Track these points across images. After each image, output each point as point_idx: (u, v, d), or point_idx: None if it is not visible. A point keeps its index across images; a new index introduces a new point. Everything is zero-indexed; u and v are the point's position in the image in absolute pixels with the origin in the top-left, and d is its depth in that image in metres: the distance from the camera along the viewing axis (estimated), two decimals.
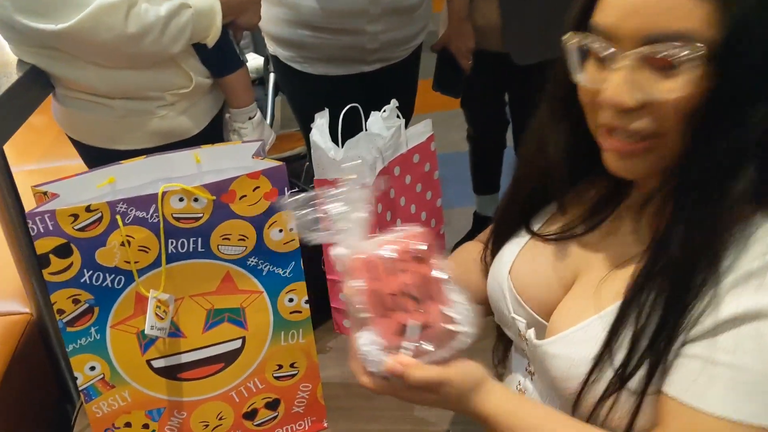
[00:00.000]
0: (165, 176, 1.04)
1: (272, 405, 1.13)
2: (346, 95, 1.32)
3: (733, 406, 0.66)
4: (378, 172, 1.27)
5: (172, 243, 0.98)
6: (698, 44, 0.64)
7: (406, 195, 1.40)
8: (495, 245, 0.95)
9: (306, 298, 1.09)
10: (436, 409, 1.17)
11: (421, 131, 1.40)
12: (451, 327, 0.71)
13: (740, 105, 0.65)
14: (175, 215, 0.97)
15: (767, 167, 0.66)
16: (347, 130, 1.27)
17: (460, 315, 0.72)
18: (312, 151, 1.25)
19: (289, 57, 1.83)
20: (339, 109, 1.26)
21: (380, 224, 1.28)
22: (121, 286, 0.98)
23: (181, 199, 0.96)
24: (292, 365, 1.12)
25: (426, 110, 2.07)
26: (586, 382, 0.75)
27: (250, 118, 1.54)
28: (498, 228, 0.96)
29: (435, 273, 0.73)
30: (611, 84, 0.69)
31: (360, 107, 1.31)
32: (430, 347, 0.71)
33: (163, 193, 0.94)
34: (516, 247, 0.91)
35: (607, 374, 0.73)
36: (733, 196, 0.66)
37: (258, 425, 1.14)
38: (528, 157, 0.89)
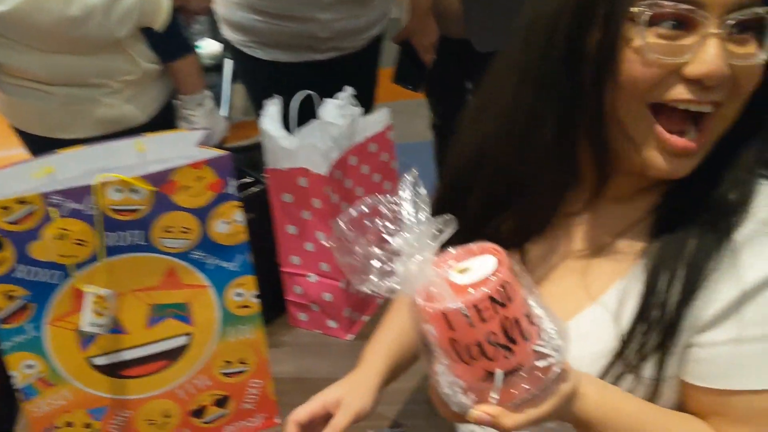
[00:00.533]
0: (106, 166, 0.99)
1: (221, 402, 1.10)
2: (300, 83, 1.29)
3: None
4: (333, 161, 1.23)
5: (110, 236, 0.94)
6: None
7: (364, 185, 1.37)
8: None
9: (255, 292, 1.05)
10: (392, 404, 1.15)
11: (378, 120, 1.37)
12: (541, 363, 0.61)
13: None
14: (113, 207, 0.92)
15: None
16: (303, 119, 1.24)
17: (549, 344, 0.61)
18: (263, 139, 1.21)
19: (241, 41, 1.78)
20: (292, 96, 1.22)
21: (335, 215, 1.25)
22: (57, 281, 0.94)
23: (119, 190, 0.92)
24: (241, 361, 1.08)
25: (390, 99, 2.04)
26: (607, 373, 0.72)
27: (200, 105, 1.50)
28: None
29: (522, 310, 0.60)
30: (708, 54, 0.62)
31: (315, 95, 1.27)
32: (518, 392, 0.62)
33: (100, 184, 0.90)
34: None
35: (625, 362, 0.70)
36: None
37: (207, 423, 1.10)
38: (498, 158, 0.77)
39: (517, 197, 0.77)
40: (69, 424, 1.02)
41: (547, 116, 0.70)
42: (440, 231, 0.61)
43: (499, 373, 0.60)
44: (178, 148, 1.03)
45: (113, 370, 1.02)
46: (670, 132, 0.66)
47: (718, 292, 0.66)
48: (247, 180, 1.36)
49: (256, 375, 1.10)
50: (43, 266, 0.92)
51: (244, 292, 1.04)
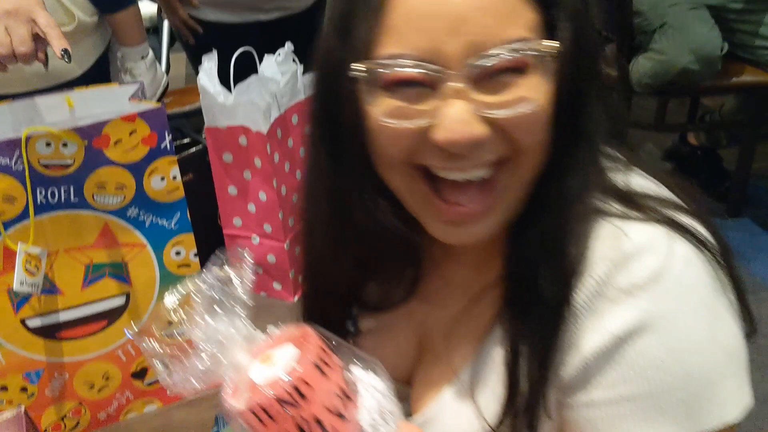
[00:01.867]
0: (33, 122, 0.96)
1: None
2: (242, 44, 1.25)
3: None
4: (274, 119, 1.21)
5: (40, 192, 0.91)
6: (544, 42, 0.55)
7: (306, 145, 1.35)
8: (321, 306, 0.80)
9: (195, 251, 1.03)
10: None
11: None
12: None
13: (583, 104, 0.59)
14: (42, 162, 0.89)
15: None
16: (242, 79, 1.21)
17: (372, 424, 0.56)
18: (201, 97, 1.18)
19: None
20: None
21: (277, 175, 1.23)
22: None
23: (48, 144, 0.89)
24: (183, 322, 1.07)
25: None
26: None
27: (143, 57, 1.46)
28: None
29: (325, 407, 0.54)
30: (447, 117, 0.54)
31: (255, 54, 1.25)
32: None
33: (27, 138, 0.87)
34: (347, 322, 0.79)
35: None
36: (587, 201, 0.60)
37: (149, 384, 1.08)
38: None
39: (371, 274, 0.74)
40: (4, 389, 0.99)
41: (352, 205, 0.65)
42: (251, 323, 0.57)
43: None
44: (110, 103, 1.00)
45: (49, 332, 0.99)
46: (448, 199, 0.59)
47: (569, 359, 0.61)
48: (186, 141, 1.33)
49: None
50: None
51: (183, 250, 1.02)
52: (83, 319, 1.00)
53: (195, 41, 1.82)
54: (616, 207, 0.61)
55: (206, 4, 1.73)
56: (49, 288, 0.96)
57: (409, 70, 0.54)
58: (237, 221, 1.31)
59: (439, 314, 0.72)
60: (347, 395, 0.54)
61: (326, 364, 0.54)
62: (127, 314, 1.02)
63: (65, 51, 0.95)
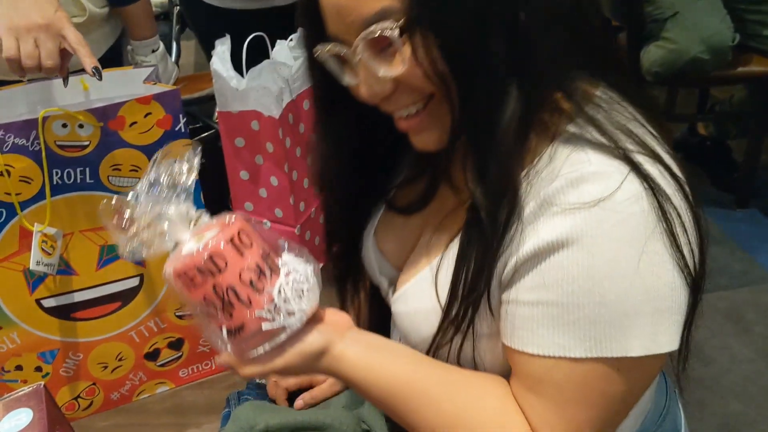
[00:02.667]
0: (49, 104, 0.97)
1: (175, 345, 1.09)
2: (256, 29, 1.26)
3: (550, 342, 0.65)
4: (285, 104, 1.22)
5: (57, 173, 0.92)
6: (394, 15, 0.63)
7: None
8: (349, 229, 0.91)
9: None
10: None
11: None
12: (267, 326, 0.66)
13: (469, 40, 0.63)
14: (58, 143, 0.90)
15: (525, 85, 0.65)
16: (255, 64, 1.21)
17: (281, 310, 0.66)
18: (214, 81, 1.19)
19: None
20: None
21: (289, 160, 1.24)
22: (2, 220, 0.92)
23: (64, 125, 0.89)
24: None
25: None
26: (433, 335, 0.74)
27: (153, 51, 1.46)
28: (349, 212, 0.91)
29: (237, 279, 0.65)
30: (361, 81, 0.69)
31: (267, 39, 1.25)
32: (248, 347, 0.68)
33: (44, 118, 0.88)
34: (376, 215, 0.90)
35: (440, 324, 0.72)
36: (505, 122, 0.65)
37: (161, 365, 1.10)
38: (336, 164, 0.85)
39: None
40: (19, 368, 1.01)
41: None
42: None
43: (223, 330, 0.66)
44: (124, 86, 1.01)
45: (64, 313, 1.00)
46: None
47: (505, 259, 0.67)
48: (198, 125, 1.34)
49: None
50: None
51: None
52: (98, 299, 1.01)
53: (208, 28, 1.81)
54: (592, 134, 0.66)
55: None
56: (65, 269, 0.97)
57: (323, 46, 0.70)
58: (248, 205, 1.31)
59: (437, 215, 0.80)
60: (263, 273, 0.66)
61: (243, 244, 0.65)
62: (141, 295, 1.03)
63: (96, 69, 0.98)
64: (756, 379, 1.95)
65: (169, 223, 0.67)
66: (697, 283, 0.66)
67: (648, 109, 0.71)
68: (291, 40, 1.25)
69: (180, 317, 1.07)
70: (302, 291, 0.67)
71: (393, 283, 0.85)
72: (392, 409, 0.72)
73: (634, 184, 0.63)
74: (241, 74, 1.21)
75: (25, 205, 0.92)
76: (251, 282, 0.65)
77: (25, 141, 0.88)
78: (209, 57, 1.88)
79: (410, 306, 0.78)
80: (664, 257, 0.63)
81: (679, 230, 0.64)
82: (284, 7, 1.79)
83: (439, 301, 0.73)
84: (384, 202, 0.88)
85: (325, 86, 0.76)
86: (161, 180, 0.68)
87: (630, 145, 0.65)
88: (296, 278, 0.68)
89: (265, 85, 1.16)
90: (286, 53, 1.23)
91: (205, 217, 0.68)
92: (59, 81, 0.99)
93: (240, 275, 0.65)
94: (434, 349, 0.74)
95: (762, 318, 2.16)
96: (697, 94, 2.95)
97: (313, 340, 0.69)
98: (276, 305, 0.66)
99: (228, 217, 0.67)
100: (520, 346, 0.67)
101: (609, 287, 0.62)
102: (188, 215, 0.68)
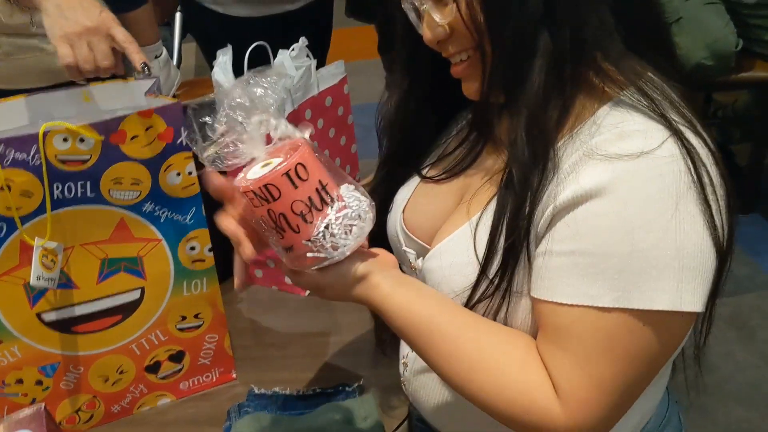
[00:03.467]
0: (49, 116, 0.96)
1: (176, 357, 1.09)
2: (263, 37, 1.25)
3: (578, 291, 0.66)
4: (287, 114, 1.21)
5: (57, 187, 0.91)
6: None
7: (319, 140, 1.35)
8: (385, 187, 0.95)
9: (209, 246, 1.04)
10: (349, 356, 1.16)
11: (333, 73, 1.35)
12: (311, 254, 0.72)
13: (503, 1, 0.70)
14: (59, 157, 0.89)
15: (560, 37, 0.69)
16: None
17: (326, 241, 0.72)
18: (215, 91, 1.18)
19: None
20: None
21: None
22: (3, 234, 0.91)
23: (65, 140, 0.89)
24: (196, 316, 1.07)
25: (348, 59, 2.01)
26: (466, 287, 0.76)
27: (156, 57, 1.46)
28: (387, 171, 0.96)
29: (289, 208, 0.71)
30: (424, 26, 0.77)
31: (269, 47, 1.24)
32: (300, 263, 0.75)
33: (45, 133, 0.87)
34: (408, 190, 0.92)
35: (475, 277, 0.75)
36: (536, 71, 0.70)
37: (162, 378, 1.09)
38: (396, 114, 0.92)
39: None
40: (19, 382, 1.00)
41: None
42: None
43: (278, 246, 0.75)
44: (125, 98, 1.01)
45: (64, 326, 1.00)
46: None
47: (541, 211, 0.70)
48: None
49: (211, 329, 1.09)
50: None
51: (198, 245, 1.03)
52: (98, 313, 1.01)
53: (210, 35, 1.81)
54: (640, 102, 0.69)
55: (232, 1, 1.72)
56: (65, 282, 0.97)
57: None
58: None
59: (476, 181, 0.83)
60: (314, 205, 0.71)
61: (299, 177, 0.70)
62: (142, 308, 1.03)
63: (144, 64, 1.01)
64: (760, 386, 1.94)
65: (247, 137, 0.72)
66: (724, 253, 0.68)
67: (690, 99, 0.74)
68: (293, 50, 1.24)
69: (181, 330, 1.07)
70: (351, 227, 0.73)
71: (421, 254, 0.87)
72: (416, 344, 0.76)
73: (674, 145, 0.66)
74: None
75: (25, 219, 0.91)
76: (302, 213, 0.71)
77: (25, 155, 0.87)
78: (210, 62, 1.88)
79: (445, 261, 0.80)
80: (696, 218, 0.65)
81: (711, 197, 0.66)
82: (287, 14, 1.78)
83: (476, 254, 0.75)
84: (417, 177, 0.92)
85: (409, 35, 0.82)
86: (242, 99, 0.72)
87: (675, 116, 0.68)
88: (348, 213, 0.73)
89: None
90: (288, 63, 1.23)
91: (283, 127, 0.73)
92: (60, 93, 0.99)
93: (291, 206, 0.70)
94: (470, 305, 0.76)
95: (766, 324, 2.15)
96: (700, 99, 2.95)
97: (356, 267, 0.75)
98: (323, 237, 0.72)
99: (296, 144, 0.73)
100: (547, 296, 0.69)
101: (640, 238, 0.64)
102: (266, 128, 0.73)
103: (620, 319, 0.65)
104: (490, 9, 0.70)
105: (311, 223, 0.71)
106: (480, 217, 0.77)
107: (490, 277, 0.73)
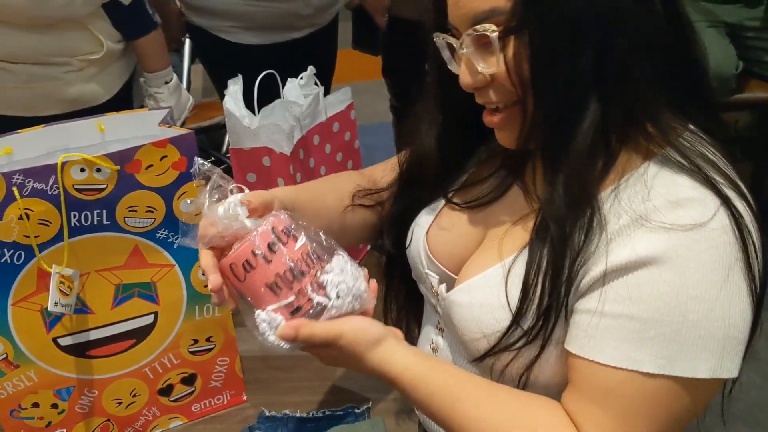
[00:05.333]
0: (66, 146, 0.99)
1: (188, 380, 1.11)
2: (271, 64, 1.28)
3: (625, 356, 0.67)
4: (296, 140, 1.24)
5: (74, 216, 0.94)
6: (500, 17, 0.69)
7: (326, 164, 1.37)
8: (409, 207, 0.96)
9: None
10: (356, 379, 1.17)
11: (340, 99, 1.38)
12: (319, 302, 0.76)
13: (558, 57, 0.68)
14: (76, 186, 0.92)
15: (610, 104, 0.69)
16: (267, 99, 1.23)
17: (327, 293, 0.76)
18: (226, 119, 1.21)
19: (214, 26, 1.76)
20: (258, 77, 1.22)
21: None
22: (21, 261, 0.94)
23: (82, 170, 0.91)
24: (208, 339, 1.09)
25: (352, 79, 2.04)
26: (496, 331, 0.76)
27: (166, 83, 1.49)
28: (411, 189, 0.96)
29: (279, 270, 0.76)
30: (462, 71, 0.75)
31: (278, 75, 1.27)
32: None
33: (63, 163, 0.90)
34: (432, 212, 0.93)
35: (507, 323, 0.75)
36: (580, 138, 0.69)
37: (174, 401, 1.11)
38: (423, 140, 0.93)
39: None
40: (35, 405, 1.02)
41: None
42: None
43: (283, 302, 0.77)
44: (139, 128, 1.03)
45: (79, 350, 1.02)
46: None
47: (587, 269, 0.70)
48: (211, 160, 1.36)
49: (223, 353, 1.11)
50: (6, 247, 0.92)
51: None
52: (113, 337, 1.03)
53: (218, 62, 1.84)
54: (684, 163, 0.70)
55: (241, 29, 1.75)
56: (81, 307, 0.99)
57: (438, 33, 0.78)
58: None
59: (504, 218, 0.84)
60: (278, 287, 0.76)
61: (271, 250, 0.76)
62: (155, 333, 1.05)
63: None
64: (764, 406, 1.95)
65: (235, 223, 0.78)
66: (758, 307, 0.70)
67: (728, 153, 0.75)
68: (301, 78, 1.27)
69: (193, 353, 1.09)
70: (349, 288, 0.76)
71: (444, 280, 0.88)
72: (438, 411, 0.75)
73: (725, 216, 0.67)
74: (252, 110, 1.23)
75: (43, 246, 0.93)
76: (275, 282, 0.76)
77: (44, 185, 0.90)
78: (218, 87, 1.92)
79: (475, 299, 0.80)
80: (742, 288, 0.67)
81: (753, 262, 0.68)
82: (293, 42, 1.82)
83: (508, 300, 0.75)
84: (443, 201, 0.93)
85: (441, 66, 0.82)
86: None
87: (719, 178, 0.69)
88: (339, 278, 0.76)
89: (276, 123, 1.18)
90: (297, 92, 1.26)
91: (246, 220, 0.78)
92: (75, 123, 1.01)
93: (265, 279, 0.76)
94: (496, 350, 0.77)
95: None
96: None
97: (371, 327, 0.76)
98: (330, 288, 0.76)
99: (274, 216, 0.78)
100: (591, 356, 0.69)
101: (691, 308, 0.66)
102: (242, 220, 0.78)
103: (664, 384, 0.67)
104: (538, 64, 0.69)
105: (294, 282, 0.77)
106: (513, 262, 0.77)
107: (525, 328, 0.73)
